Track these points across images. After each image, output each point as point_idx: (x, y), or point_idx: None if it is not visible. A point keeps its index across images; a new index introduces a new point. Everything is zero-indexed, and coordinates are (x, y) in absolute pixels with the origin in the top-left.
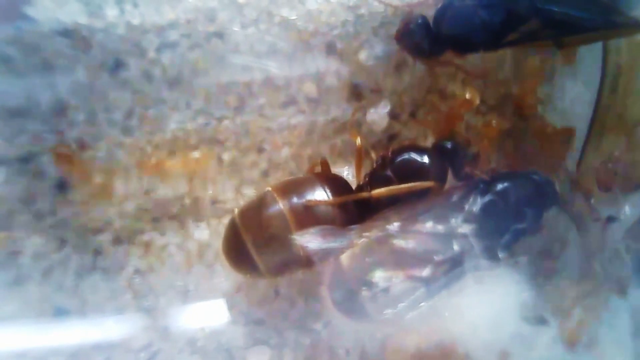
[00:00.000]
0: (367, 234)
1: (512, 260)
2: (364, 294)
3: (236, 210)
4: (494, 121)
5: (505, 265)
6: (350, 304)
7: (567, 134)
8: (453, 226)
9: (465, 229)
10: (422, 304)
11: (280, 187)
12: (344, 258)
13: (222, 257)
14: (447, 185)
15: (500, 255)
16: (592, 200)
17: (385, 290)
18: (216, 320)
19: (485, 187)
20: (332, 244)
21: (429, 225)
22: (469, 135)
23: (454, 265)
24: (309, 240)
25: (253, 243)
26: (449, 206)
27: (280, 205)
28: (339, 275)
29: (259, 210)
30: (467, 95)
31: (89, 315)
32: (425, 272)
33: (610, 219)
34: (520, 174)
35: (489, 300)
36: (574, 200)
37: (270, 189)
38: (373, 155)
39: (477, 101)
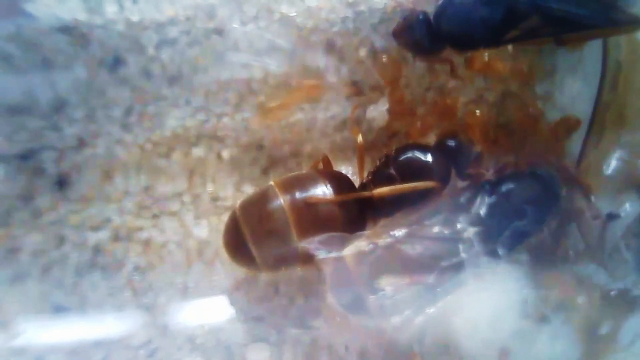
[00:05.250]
0: (374, 240)
1: (512, 257)
2: (370, 301)
3: (238, 203)
4: (477, 111)
5: (506, 262)
6: (356, 309)
7: (569, 124)
8: (459, 230)
9: (471, 232)
10: (428, 309)
11: (282, 182)
12: (351, 263)
13: (222, 255)
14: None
15: (500, 252)
16: (592, 198)
17: (392, 296)
18: (216, 317)
19: (491, 188)
20: (339, 252)
21: (436, 230)
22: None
23: (460, 270)
24: (316, 248)
25: (252, 236)
26: (456, 209)
27: (281, 200)
28: (344, 280)
29: (260, 204)
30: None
31: (89, 312)
32: (432, 277)
33: (611, 217)
34: (525, 173)
35: (489, 297)
36: (574, 198)
37: (272, 183)
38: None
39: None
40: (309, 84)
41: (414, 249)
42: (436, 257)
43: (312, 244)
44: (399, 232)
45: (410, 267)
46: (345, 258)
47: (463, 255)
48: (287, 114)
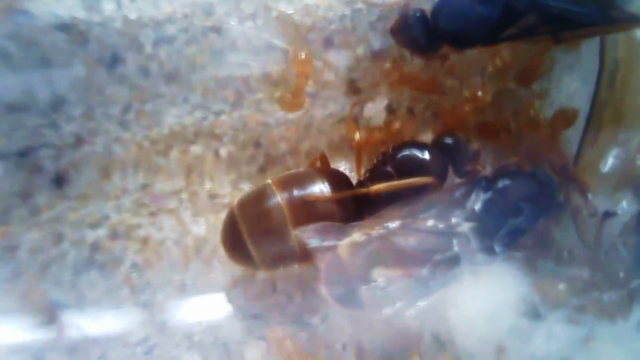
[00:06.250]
0: (368, 231)
1: (508, 254)
2: (363, 292)
3: (236, 201)
4: (479, 92)
5: (502, 259)
6: (349, 300)
7: (567, 116)
8: (454, 225)
9: (466, 227)
10: (420, 302)
11: (280, 180)
12: (344, 255)
13: (220, 252)
14: (447, 182)
15: (497, 249)
16: (589, 195)
17: (384, 288)
18: (213, 314)
19: (488, 184)
20: (333, 241)
21: (430, 223)
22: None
23: (453, 264)
24: (310, 237)
25: (249, 234)
26: (451, 203)
27: (279, 198)
28: (338, 271)
29: (258, 202)
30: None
31: (87, 309)
32: (425, 271)
33: (607, 214)
34: (524, 173)
35: (486, 295)
36: (570, 196)
37: (270, 181)
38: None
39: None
40: (301, 61)
41: (408, 242)
42: (430, 250)
43: (306, 233)
44: (393, 224)
45: (403, 259)
46: (339, 249)
47: (456, 249)
48: (303, 99)
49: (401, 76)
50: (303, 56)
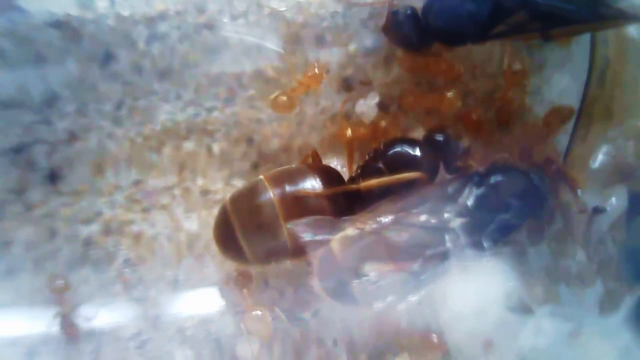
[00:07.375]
0: (360, 225)
1: (497, 250)
2: (354, 285)
3: (228, 197)
4: (449, 93)
5: (491, 254)
6: (341, 294)
7: (562, 113)
8: (446, 220)
9: (458, 223)
10: (410, 297)
11: (272, 176)
12: (337, 249)
13: (212, 248)
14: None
15: (485, 244)
16: (579, 192)
17: (376, 282)
18: (205, 309)
19: (479, 179)
20: (325, 235)
21: (422, 218)
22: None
23: (444, 259)
24: (302, 231)
25: (241, 230)
26: (444, 199)
27: (271, 194)
28: (330, 265)
29: (250, 197)
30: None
31: (80, 304)
32: (416, 265)
33: (596, 211)
34: (517, 170)
35: (474, 289)
36: (560, 192)
37: (262, 177)
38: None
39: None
40: (310, 74)
41: (400, 236)
42: (422, 245)
43: (299, 227)
44: (386, 219)
45: (395, 254)
46: (332, 243)
47: (449, 245)
48: (295, 103)
49: (423, 64)
50: (316, 71)
